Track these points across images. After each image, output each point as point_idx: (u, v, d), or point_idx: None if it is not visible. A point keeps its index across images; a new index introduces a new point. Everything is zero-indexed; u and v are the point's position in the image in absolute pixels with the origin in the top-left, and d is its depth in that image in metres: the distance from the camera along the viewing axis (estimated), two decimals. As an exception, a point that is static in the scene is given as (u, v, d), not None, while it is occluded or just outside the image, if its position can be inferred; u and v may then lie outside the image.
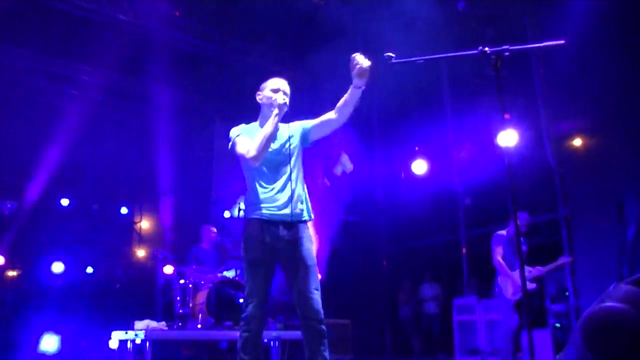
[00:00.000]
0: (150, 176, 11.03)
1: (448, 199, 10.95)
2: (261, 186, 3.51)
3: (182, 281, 7.17)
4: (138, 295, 10.32)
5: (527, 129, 9.10)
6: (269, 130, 3.43)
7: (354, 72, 3.37)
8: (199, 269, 7.42)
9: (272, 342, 6.88)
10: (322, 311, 3.42)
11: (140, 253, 11.35)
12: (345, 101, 3.48)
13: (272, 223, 3.47)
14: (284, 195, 3.50)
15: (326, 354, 3.39)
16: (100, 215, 10.80)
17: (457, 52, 2.81)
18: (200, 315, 6.73)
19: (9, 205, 9.72)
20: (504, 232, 6.72)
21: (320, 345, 3.38)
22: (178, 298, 7.11)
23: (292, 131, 3.65)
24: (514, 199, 2.77)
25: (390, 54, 3.04)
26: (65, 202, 10.44)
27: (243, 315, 3.40)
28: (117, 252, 11.05)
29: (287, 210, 3.48)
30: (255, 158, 3.39)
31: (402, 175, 11.86)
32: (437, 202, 11.11)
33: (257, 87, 3.75)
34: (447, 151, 10.80)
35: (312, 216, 3.63)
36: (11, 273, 9.78)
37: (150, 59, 9.74)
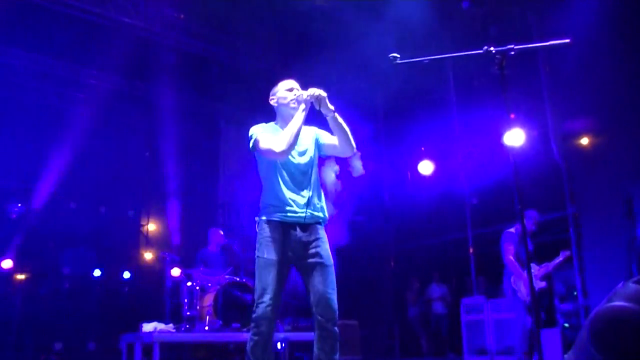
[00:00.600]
0: (156, 179, 11.05)
1: (455, 199, 10.93)
2: (280, 187, 3.50)
3: (189, 283, 7.18)
4: (146, 297, 10.33)
5: (533, 128, 9.09)
6: (297, 125, 3.43)
7: (317, 105, 3.46)
8: (206, 271, 7.43)
9: (279, 344, 6.88)
10: (337, 312, 3.40)
11: (148, 256, 11.37)
12: (335, 134, 3.56)
13: (289, 225, 3.47)
14: (302, 196, 3.51)
15: (337, 357, 3.37)
16: (107, 218, 10.81)
17: (462, 51, 2.80)
18: (207, 317, 6.75)
19: (16, 209, 9.76)
20: (513, 229, 6.62)
21: (332, 348, 3.36)
22: (185, 300, 7.12)
23: (311, 135, 3.69)
24: (521, 196, 2.76)
25: (395, 54, 3.04)
26: (72, 205, 10.47)
27: (253, 317, 3.36)
28: (125, 255, 11.07)
29: (304, 212, 3.49)
30: (284, 152, 3.39)
31: (409, 176, 11.85)
32: (444, 202, 11.10)
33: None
34: (453, 151, 10.78)
35: (328, 217, 3.63)
36: (20, 276, 9.81)
37: (156, 62, 9.77)
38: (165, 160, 10.78)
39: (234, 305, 6.92)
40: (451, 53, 2.88)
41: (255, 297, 3.39)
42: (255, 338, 3.33)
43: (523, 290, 6.28)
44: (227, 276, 7.39)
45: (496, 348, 8.77)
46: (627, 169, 7.71)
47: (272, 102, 3.72)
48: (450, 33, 8.78)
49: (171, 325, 6.58)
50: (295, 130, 3.42)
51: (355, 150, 3.61)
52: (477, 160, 10.18)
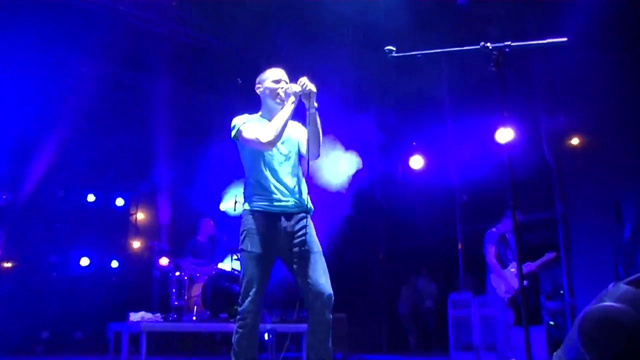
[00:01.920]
0: (146, 168, 11.00)
1: (445, 195, 10.96)
2: (263, 175, 3.45)
3: (177, 273, 7.18)
4: (134, 287, 10.32)
5: (525, 127, 9.10)
6: (285, 117, 3.40)
7: (303, 95, 3.43)
8: (194, 261, 7.43)
9: (267, 335, 6.88)
10: (332, 297, 3.35)
11: (136, 245, 11.34)
12: (309, 133, 3.48)
13: (274, 215, 3.42)
14: (286, 186, 3.47)
15: (330, 344, 3.34)
16: (96, 206, 10.77)
17: (458, 47, 2.80)
18: (195, 307, 6.74)
19: (4, 197, 9.70)
20: (495, 229, 6.82)
21: (326, 335, 3.32)
22: (174, 290, 7.12)
23: (295, 130, 3.65)
24: (514, 196, 2.77)
25: (391, 47, 3.04)
26: (60, 193, 10.41)
27: (239, 309, 3.35)
28: (113, 244, 11.03)
29: (289, 201, 3.45)
30: (271, 143, 3.35)
31: (400, 171, 11.86)
32: (434, 198, 11.12)
33: (254, 79, 3.72)
34: (444, 147, 10.80)
35: (312, 207, 3.58)
36: (6, 265, 9.76)
37: (148, 51, 9.69)
38: (156, 149, 10.73)
39: (222, 296, 6.92)
40: (447, 49, 2.88)
41: (241, 290, 3.38)
42: (241, 331, 3.34)
43: (502, 288, 6.55)
44: (215, 267, 7.39)
45: (482, 344, 8.82)
46: (617, 171, 7.76)
47: (257, 91, 3.67)
48: (446, 30, 8.78)
49: (159, 314, 6.57)
50: (283, 122, 3.39)
51: (319, 156, 3.55)
52: (468, 158, 10.19)
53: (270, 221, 3.42)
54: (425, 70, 9.56)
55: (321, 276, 3.36)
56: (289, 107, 3.43)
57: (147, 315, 6.33)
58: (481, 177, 9.69)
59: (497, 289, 6.60)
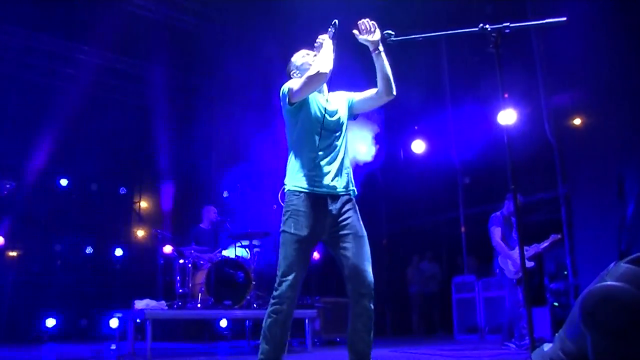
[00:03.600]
0: (149, 156, 11.01)
1: (447, 178, 10.97)
2: (312, 154, 3.29)
3: (181, 261, 7.19)
4: (138, 275, 10.35)
5: (526, 107, 9.08)
6: (329, 47, 3.27)
7: (362, 38, 3.30)
8: (198, 248, 7.44)
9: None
10: (373, 286, 3.21)
11: (140, 233, 11.36)
12: (378, 72, 3.36)
13: (320, 196, 3.26)
14: (333, 166, 3.32)
15: (370, 336, 3.20)
16: (99, 195, 10.78)
17: (457, 29, 2.77)
18: (199, 294, 6.76)
19: (8, 186, 9.71)
20: (498, 212, 6.86)
21: (365, 327, 3.19)
22: (178, 278, 7.13)
23: (341, 100, 3.53)
24: (514, 178, 2.76)
25: (390, 31, 3.01)
26: (64, 182, 10.42)
27: (275, 294, 3.19)
28: (117, 232, 11.06)
29: (336, 182, 3.30)
30: (323, 70, 3.17)
31: (402, 155, 11.85)
32: (436, 182, 11.13)
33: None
34: (446, 130, 10.78)
35: (356, 190, 3.43)
36: (11, 253, 9.79)
37: (148, 39, 9.66)
38: (158, 137, 10.73)
39: (226, 283, 6.93)
40: (446, 31, 2.85)
41: (279, 273, 3.20)
42: (274, 316, 3.18)
43: (511, 269, 6.61)
44: (219, 254, 7.41)
45: (486, 326, 8.87)
46: (619, 149, 7.74)
47: (295, 76, 3.51)
48: (445, 12, 8.73)
49: (163, 302, 6.59)
50: (328, 53, 3.25)
51: (395, 93, 3.39)
52: (470, 140, 10.18)
53: (317, 203, 3.25)
54: (425, 54, 9.52)
55: (365, 263, 3.22)
56: (327, 43, 3.30)
57: (152, 303, 6.34)
58: (483, 159, 9.69)
59: (506, 269, 6.63)
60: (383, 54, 3.32)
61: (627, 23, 7.45)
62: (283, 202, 3.34)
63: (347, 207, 3.30)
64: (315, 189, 3.26)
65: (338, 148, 3.38)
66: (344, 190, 3.33)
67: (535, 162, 9.00)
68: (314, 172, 3.27)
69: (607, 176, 7.84)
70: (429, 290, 11.38)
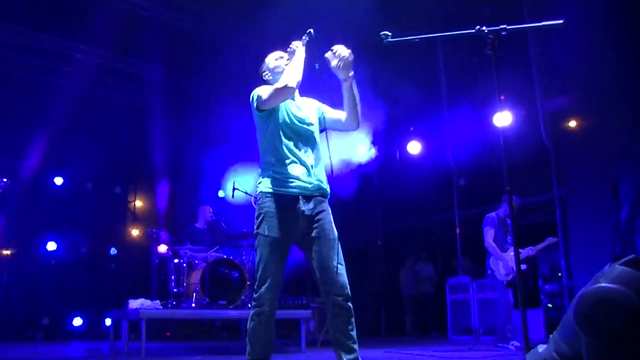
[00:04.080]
0: (144, 155, 10.99)
1: (443, 180, 10.98)
2: (282, 155, 3.31)
3: (176, 260, 7.18)
4: (133, 274, 10.34)
5: (522, 109, 9.10)
6: (300, 59, 3.30)
7: (335, 66, 3.30)
8: (193, 248, 7.43)
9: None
10: (348, 287, 3.22)
11: (135, 232, 11.34)
12: (345, 102, 3.39)
13: (292, 197, 3.27)
14: (305, 166, 3.33)
15: (353, 333, 3.21)
16: (94, 194, 10.76)
17: (454, 31, 2.78)
18: (194, 294, 6.75)
19: (2, 184, 9.67)
20: (494, 214, 6.88)
21: (347, 325, 3.19)
22: (173, 277, 7.12)
23: (314, 105, 3.55)
24: (510, 180, 2.77)
25: (386, 32, 3.01)
26: (59, 180, 10.40)
27: (255, 296, 3.22)
28: (112, 231, 11.04)
29: (307, 183, 3.31)
30: (290, 84, 3.19)
31: (397, 156, 11.86)
32: (432, 183, 11.14)
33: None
34: (442, 131, 10.80)
35: (329, 190, 3.45)
36: (5, 252, 9.76)
37: (144, 38, 9.65)
38: (153, 136, 10.71)
39: (221, 283, 6.93)
40: (442, 32, 2.85)
41: (257, 275, 3.24)
42: (257, 318, 3.20)
43: (502, 271, 6.64)
44: (214, 253, 7.40)
45: (481, 327, 8.88)
46: (614, 151, 7.76)
47: (266, 77, 3.56)
48: (441, 14, 8.74)
49: (158, 302, 6.58)
50: (299, 64, 3.29)
51: (359, 126, 3.43)
52: (466, 142, 10.20)
53: (289, 204, 3.27)
54: (421, 55, 9.53)
55: (336, 266, 3.23)
56: (299, 52, 3.34)
57: (147, 303, 6.34)
58: (479, 161, 9.71)
59: (497, 271, 6.68)
60: (354, 84, 3.34)
61: (624, 26, 7.47)
62: (256, 205, 3.36)
63: (319, 208, 3.33)
64: (287, 191, 3.28)
65: (307, 151, 3.39)
66: (316, 191, 3.35)
67: (531, 164, 9.01)
68: (285, 175, 3.29)
69: (602, 179, 7.86)
70: (424, 292, 11.39)
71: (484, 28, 2.61)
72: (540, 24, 2.64)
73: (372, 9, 7.80)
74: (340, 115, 3.48)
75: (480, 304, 9.09)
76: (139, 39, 9.67)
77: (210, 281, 6.85)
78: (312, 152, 3.42)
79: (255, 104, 3.35)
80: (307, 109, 3.51)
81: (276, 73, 3.47)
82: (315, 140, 3.46)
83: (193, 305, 6.70)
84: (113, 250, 10.71)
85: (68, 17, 9.13)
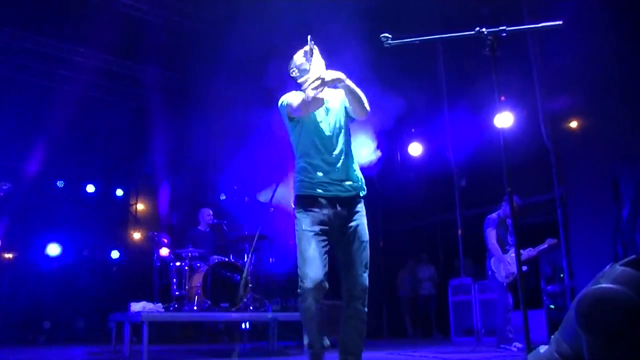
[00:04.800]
0: (145, 158, 11.00)
1: (444, 180, 10.97)
2: (314, 162, 3.34)
3: (178, 263, 7.18)
4: (134, 277, 10.34)
5: (522, 109, 9.10)
6: (317, 66, 3.26)
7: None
8: (195, 251, 7.43)
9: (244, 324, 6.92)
10: (367, 292, 3.28)
11: (137, 235, 11.35)
12: (347, 98, 3.40)
13: (329, 199, 3.31)
14: (341, 169, 3.36)
15: (361, 339, 3.26)
16: (96, 197, 10.77)
17: (453, 33, 2.78)
18: (196, 297, 6.75)
19: (4, 187, 9.69)
20: (495, 214, 6.88)
21: (357, 329, 3.26)
22: (174, 280, 7.12)
23: (338, 100, 3.54)
24: (510, 180, 2.77)
25: (387, 34, 3.01)
26: (60, 184, 10.41)
27: (300, 292, 3.24)
28: (113, 235, 11.05)
29: (344, 184, 3.35)
30: (320, 99, 3.18)
31: (399, 157, 11.85)
32: (433, 184, 11.14)
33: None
34: (442, 132, 10.79)
35: (365, 188, 3.48)
36: (7, 255, 9.78)
37: (144, 41, 9.67)
38: (154, 139, 10.72)
39: (223, 285, 6.93)
40: (442, 34, 2.86)
41: (299, 272, 3.23)
42: (307, 313, 3.23)
43: (502, 273, 6.59)
44: (216, 256, 7.40)
45: (483, 328, 8.87)
46: (614, 150, 7.75)
47: (294, 74, 3.57)
48: (441, 15, 8.75)
49: (160, 304, 6.58)
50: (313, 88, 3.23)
51: (368, 111, 3.42)
52: (467, 142, 10.19)
53: (327, 205, 3.30)
54: (421, 56, 9.53)
55: (362, 269, 3.29)
56: (315, 58, 3.31)
57: (149, 306, 6.33)
58: (480, 161, 9.70)
59: (497, 273, 6.68)
60: (347, 81, 3.31)
61: (623, 25, 7.47)
62: (295, 208, 3.39)
63: (355, 209, 3.37)
64: (323, 192, 3.31)
65: (342, 148, 3.40)
66: (353, 191, 3.38)
67: (532, 164, 9.00)
68: (319, 178, 3.32)
69: (603, 178, 7.85)
70: (422, 294, 11.39)
71: (484, 29, 2.61)
72: (540, 25, 2.64)
73: (371, 10, 7.81)
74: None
75: (482, 305, 9.07)
76: (138, 42, 9.69)
77: (211, 284, 6.85)
78: (345, 146, 3.43)
79: (284, 112, 3.39)
80: (335, 106, 3.51)
81: (302, 70, 3.47)
82: (346, 134, 3.48)
83: (195, 308, 6.70)
84: (115, 254, 10.71)
85: (67, 21, 9.16)
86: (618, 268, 1.52)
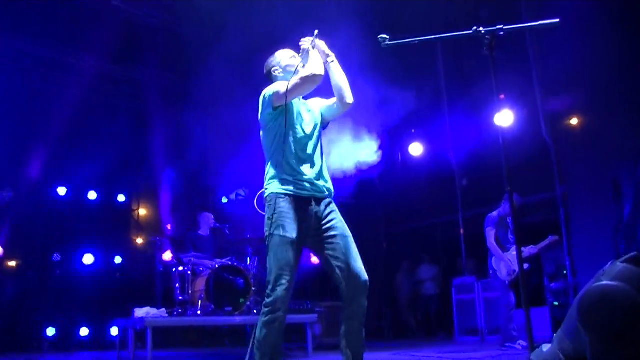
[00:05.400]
0: (146, 163, 10.98)
1: (445, 180, 10.98)
2: (292, 157, 3.31)
3: (181, 268, 7.19)
4: (138, 282, 10.32)
5: (523, 108, 9.11)
6: (318, 54, 3.37)
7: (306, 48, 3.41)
8: (197, 255, 7.43)
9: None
10: (368, 283, 3.21)
11: (139, 240, 11.35)
12: (334, 79, 3.44)
13: (304, 199, 3.28)
14: (314, 169, 3.35)
15: (363, 335, 3.22)
16: (98, 203, 10.77)
17: (451, 33, 2.79)
18: (199, 301, 6.76)
19: (4, 195, 9.69)
20: (495, 213, 6.89)
21: (360, 326, 3.20)
22: (177, 285, 7.13)
23: (316, 106, 3.57)
24: (509, 179, 2.78)
25: (384, 35, 3.02)
26: (62, 190, 10.41)
27: (269, 300, 3.11)
28: (116, 240, 11.03)
29: (318, 185, 3.33)
30: (317, 73, 3.23)
31: (399, 157, 11.86)
32: (435, 184, 11.14)
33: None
34: (443, 132, 10.80)
35: (333, 191, 3.46)
36: (11, 263, 9.77)
37: (142, 44, 9.67)
38: (155, 144, 10.71)
39: (226, 289, 6.93)
40: (440, 34, 2.87)
41: (271, 278, 3.14)
42: (272, 325, 3.10)
43: (503, 271, 6.59)
44: (218, 260, 7.40)
45: (487, 327, 8.87)
46: (615, 148, 7.76)
47: (276, 73, 3.54)
48: (440, 15, 8.75)
49: (163, 310, 6.59)
50: (319, 56, 3.35)
51: (352, 100, 3.45)
52: (467, 142, 10.20)
53: (301, 205, 3.26)
54: (420, 56, 9.53)
55: (356, 260, 3.23)
56: (313, 53, 3.37)
57: (152, 311, 6.34)
58: (481, 161, 9.70)
59: (498, 271, 6.69)
60: (335, 63, 3.43)
61: (623, 24, 7.48)
62: (260, 207, 3.36)
63: (329, 209, 3.35)
64: (299, 192, 3.28)
65: (315, 152, 3.41)
66: (326, 192, 3.38)
67: (533, 162, 9.01)
68: (296, 175, 3.30)
69: (604, 176, 7.86)
70: (427, 293, 11.39)
71: (481, 29, 2.62)
72: (537, 23, 2.65)
73: (369, 11, 7.83)
74: (332, 100, 3.52)
75: (486, 303, 9.07)
76: (138, 46, 9.68)
77: (215, 288, 6.86)
78: (319, 150, 3.44)
79: (271, 100, 3.32)
80: (314, 109, 3.54)
81: (288, 72, 3.46)
82: (320, 139, 3.49)
83: (198, 312, 6.70)
84: (118, 259, 10.71)
85: (66, 25, 9.15)
86: (619, 265, 1.52)
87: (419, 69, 9.79)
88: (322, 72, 3.27)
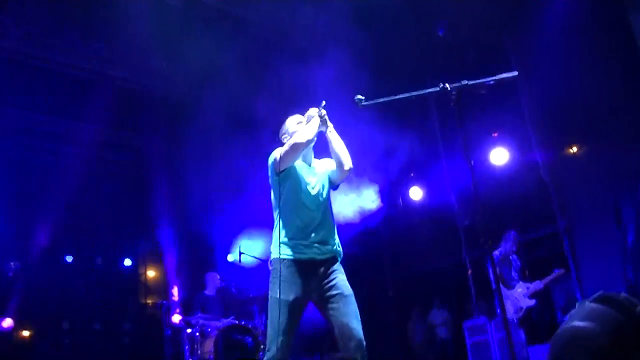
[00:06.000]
0: (150, 226, 11.06)
1: (448, 222, 10.97)
2: (294, 224, 3.43)
3: (189, 330, 7.18)
4: (147, 347, 10.28)
5: (517, 145, 9.17)
6: (314, 123, 3.49)
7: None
8: (205, 316, 7.42)
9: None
10: (364, 343, 3.28)
11: (147, 304, 11.34)
12: (333, 148, 3.59)
13: (305, 262, 3.38)
14: (318, 233, 3.44)
15: None
16: (105, 268, 10.82)
17: (420, 91, 2.93)
18: (209, 363, 6.73)
19: (12, 266, 9.76)
20: (497, 252, 6.88)
21: None
22: (187, 347, 7.11)
23: (324, 168, 3.69)
24: (508, 217, 2.85)
25: (360, 96, 3.15)
26: (69, 258, 10.49)
27: (266, 359, 3.24)
28: (124, 305, 11.04)
29: (321, 248, 3.43)
30: (300, 144, 3.39)
31: (400, 203, 11.89)
32: (437, 227, 11.13)
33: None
34: (441, 174, 10.85)
35: (342, 252, 3.57)
36: (20, 334, 9.77)
37: (142, 112, 9.86)
38: (157, 207, 10.80)
39: (235, 349, 6.91)
40: (410, 93, 2.98)
41: (268, 338, 3.26)
42: None
43: (510, 310, 6.54)
44: (225, 320, 7.39)
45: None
46: (613, 176, 7.79)
47: (285, 140, 3.67)
48: (428, 60, 8.93)
49: (174, 374, 6.57)
50: (312, 126, 3.47)
51: (351, 166, 3.59)
52: (466, 182, 10.22)
53: (303, 268, 3.37)
54: (414, 101, 9.64)
55: (352, 321, 3.30)
56: (315, 118, 3.52)
57: (163, 376, 6.33)
58: (482, 199, 9.71)
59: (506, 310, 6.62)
60: (334, 133, 3.59)
61: (614, 53, 7.60)
62: (271, 267, 3.43)
63: (332, 268, 3.43)
64: (298, 255, 3.38)
65: (322, 215, 3.51)
66: (329, 254, 3.46)
67: (533, 197, 9.04)
68: (299, 240, 3.41)
69: (605, 205, 7.86)
70: (441, 338, 11.25)
71: (447, 86, 2.75)
72: (497, 77, 2.77)
73: (363, 64, 7.97)
74: (334, 164, 3.64)
75: (500, 343, 8.95)
76: (137, 114, 9.88)
77: (224, 349, 6.84)
78: (325, 214, 3.54)
79: (275, 167, 3.48)
80: (320, 171, 3.65)
81: None
82: (327, 203, 3.59)
83: (208, 374, 6.67)
84: (126, 325, 10.69)
85: (66, 97, 9.37)
86: (587, 305, 1.57)
87: (412, 115, 9.93)
88: (309, 138, 3.42)
